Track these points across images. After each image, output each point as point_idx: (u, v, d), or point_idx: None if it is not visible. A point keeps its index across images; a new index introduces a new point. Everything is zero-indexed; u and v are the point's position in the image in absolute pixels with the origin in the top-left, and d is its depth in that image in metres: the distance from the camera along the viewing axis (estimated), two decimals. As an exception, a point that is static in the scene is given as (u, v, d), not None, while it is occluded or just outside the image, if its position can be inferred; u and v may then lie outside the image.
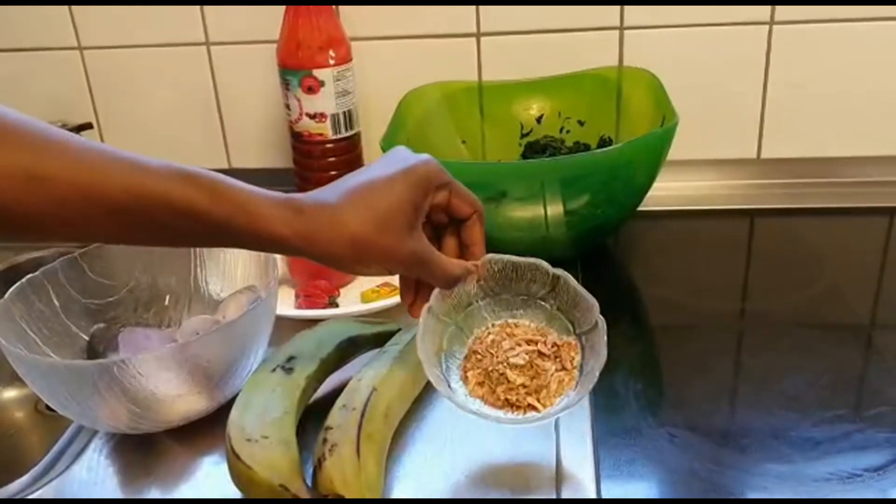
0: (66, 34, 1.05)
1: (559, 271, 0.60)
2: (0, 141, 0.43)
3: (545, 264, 0.61)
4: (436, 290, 0.58)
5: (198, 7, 1.01)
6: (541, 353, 0.59)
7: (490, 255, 0.60)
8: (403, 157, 0.54)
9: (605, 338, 0.57)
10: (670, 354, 0.75)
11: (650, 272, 0.89)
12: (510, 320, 0.62)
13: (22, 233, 0.45)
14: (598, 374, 0.56)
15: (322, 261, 0.51)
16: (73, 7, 1.03)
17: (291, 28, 0.92)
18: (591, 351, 0.58)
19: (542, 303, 0.62)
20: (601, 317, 0.58)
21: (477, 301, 0.62)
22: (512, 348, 0.59)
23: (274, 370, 0.63)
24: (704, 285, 0.84)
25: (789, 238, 0.93)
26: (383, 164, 0.54)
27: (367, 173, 0.53)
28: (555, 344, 0.59)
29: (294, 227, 0.49)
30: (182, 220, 0.47)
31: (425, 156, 0.54)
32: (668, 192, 0.92)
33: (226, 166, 1.11)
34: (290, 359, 0.64)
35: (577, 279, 0.82)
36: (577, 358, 0.59)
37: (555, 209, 0.79)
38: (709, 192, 1.01)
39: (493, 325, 0.61)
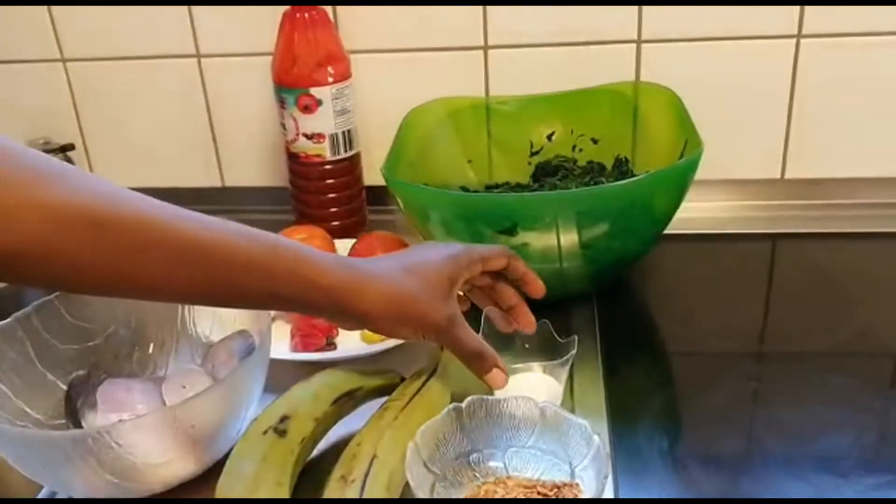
0: (47, 45, 0.99)
1: (544, 403, 0.58)
2: (60, 182, 0.42)
3: (531, 401, 0.59)
4: (421, 430, 0.56)
5: (187, 17, 0.96)
6: (541, 493, 0.55)
7: (472, 397, 0.59)
8: (443, 244, 0.63)
9: (608, 462, 0.54)
10: (695, 405, 0.69)
11: (670, 306, 0.83)
12: (501, 475, 0.58)
13: (75, 285, 0.45)
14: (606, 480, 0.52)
15: (363, 318, 0.55)
16: (56, 16, 0.98)
17: (287, 42, 0.86)
18: (596, 477, 0.54)
19: (533, 451, 0.59)
20: (595, 437, 0.55)
21: (463, 458, 0.59)
22: (511, 493, 0.55)
23: (266, 432, 0.57)
24: (728, 322, 0.79)
25: (816, 266, 0.87)
26: (429, 247, 0.63)
27: (414, 252, 0.61)
28: (555, 485, 0.56)
29: (346, 281, 0.53)
30: (242, 274, 0.49)
31: (458, 243, 0.63)
32: (685, 213, 0.86)
33: (219, 185, 1.05)
34: (283, 419, 0.58)
35: (591, 315, 0.78)
36: (582, 493, 0.55)
37: (569, 241, 0.73)
38: (729, 215, 0.96)
39: (482, 483, 0.57)
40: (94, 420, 0.61)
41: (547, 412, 0.58)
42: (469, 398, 0.59)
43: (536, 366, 0.64)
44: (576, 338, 0.65)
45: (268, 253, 0.50)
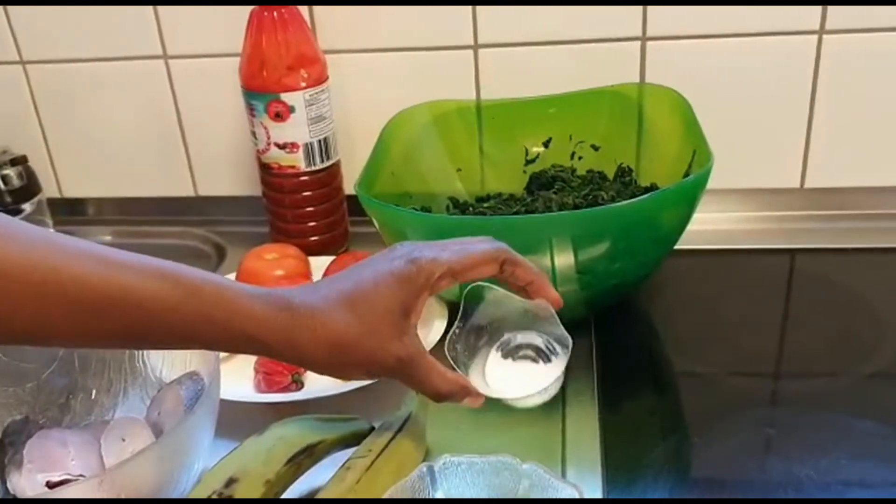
0: (5, 46, 0.92)
1: (529, 466, 0.51)
2: None
3: (514, 462, 0.52)
4: (388, 494, 0.50)
5: (153, 16, 0.88)
6: None
7: (447, 457, 0.52)
8: (397, 255, 0.51)
9: None
10: (705, 458, 0.61)
11: (676, 331, 0.76)
12: None
13: None
14: None
15: (302, 364, 0.49)
16: (13, 15, 0.91)
17: (254, 45, 0.78)
18: None
19: None
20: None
21: None
22: None
23: (209, 497, 0.50)
24: (742, 351, 0.71)
25: (840, 284, 0.80)
26: (378, 262, 0.51)
27: (358, 274, 0.51)
28: None
29: (275, 326, 0.47)
30: (155, 320, 0.44)
31: (416, 253, 0.51)
32: (695, 226, 0.78)
33: (192, 194, 0.98)
34: (230, 482, 0.51)
35: (589, 342, 0.71)
36: None
37: (564, 264, 0.66)
38: (743, 227, 0.88)
39: None
40: (20, 481, 0.54)
41: (531, 474, 0.51)
42: (444, 457, 0.52)
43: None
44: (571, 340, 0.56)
45: (187, 297, 0.44)
